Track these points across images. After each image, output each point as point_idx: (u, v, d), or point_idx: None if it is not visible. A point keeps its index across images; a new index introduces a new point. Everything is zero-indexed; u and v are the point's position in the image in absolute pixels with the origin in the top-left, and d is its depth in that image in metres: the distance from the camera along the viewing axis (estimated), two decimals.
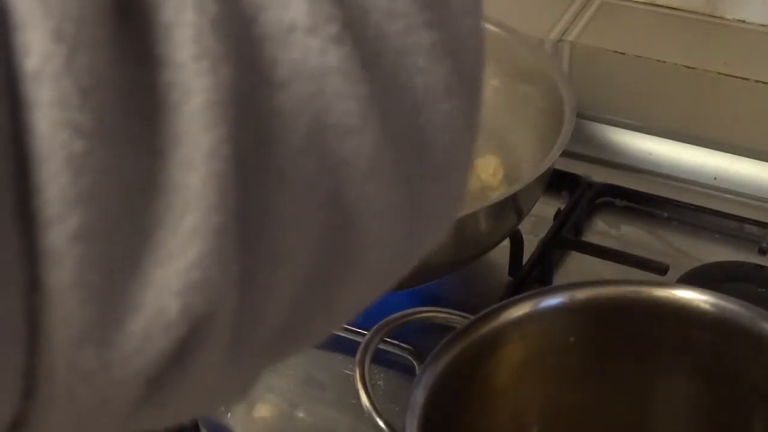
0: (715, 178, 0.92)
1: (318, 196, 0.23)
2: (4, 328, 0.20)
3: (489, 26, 0.88)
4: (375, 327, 0.63)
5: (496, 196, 0.72)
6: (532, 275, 0.79)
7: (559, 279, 0.81)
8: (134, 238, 0.21)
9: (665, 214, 0.88)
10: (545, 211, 0.85)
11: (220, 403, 0.27)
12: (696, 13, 0.96)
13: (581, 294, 0.61)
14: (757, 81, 0.88)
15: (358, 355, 0.61)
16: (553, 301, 0.61)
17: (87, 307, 0.20)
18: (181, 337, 0.21)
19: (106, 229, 0.20)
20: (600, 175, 0.91)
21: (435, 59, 0.24)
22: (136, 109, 0.20)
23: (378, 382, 0.72)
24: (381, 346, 0.63)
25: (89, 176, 0.20)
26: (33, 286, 0.20)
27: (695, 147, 0.93)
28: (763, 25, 0.95)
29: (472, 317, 0.59)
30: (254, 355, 0.25)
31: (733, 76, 0.89)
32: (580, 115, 0.82)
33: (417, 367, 0.57)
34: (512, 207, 0.73)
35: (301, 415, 0.71)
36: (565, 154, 0.75)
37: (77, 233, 0.20)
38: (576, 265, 0.83)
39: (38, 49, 0.19)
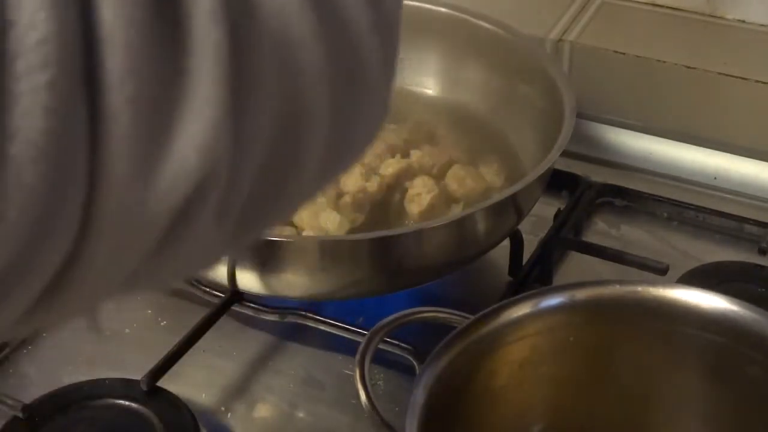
0: (715, 178, 0.92)
1: (284, 93, 0.29)
2: (74, 173, 0.25)
3: (489, 26, 0.89)
4: (375, 327, 0.63)
5: (497, 196, 0.72)
6: (532, 275, 0.79)
7: (559, 279, 0.81)
8: (167, 104, 0.27)
9: (665, 214, 0.88)
10: (545, 211, 0.85)
11: (204, 266, 0.34)
12: (696, 13, 0.96)
13: (581, 294, 0.61)
14: (757, 81, 0.88)
15: (358, 355, 0.61)
16: (553, 301, 0.61)
17: (136, 152, 0.26)
18: (194, 186, 0.27)
19: (150, 95, 0.26)
20: (600, 175, 0.91)
21: (363, 4, 0.31)
22: (165, 9, 0.26)
23: (378, 382, 0.72)
24: (381, 346, 0.63)
25: (138, 56, 0.26)
26: (95, 136, 0.25)
27: (695, 147, 0.93)
28: (763, 25, 0.95)
29: (472, 317, 0.59)
30: (232, 222, 0.30)
31: (733, 76, 0.89)
32: (580, 115, 0.82)
33: (417, 367, 0.57)
34: (512, 207, 0.73)
35: (301, 415, 0.71)
36: (565, 154, 0.75)
37: (130, 96, 0.26)
38: (576, 265, 0.83)
39: None
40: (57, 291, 0.27)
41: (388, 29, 0.33)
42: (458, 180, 0.79)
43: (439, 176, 0.80)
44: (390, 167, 0.79)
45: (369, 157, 0.79)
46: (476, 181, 0.80)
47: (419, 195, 0.77)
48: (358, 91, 0.33)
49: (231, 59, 0.27)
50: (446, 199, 0.79)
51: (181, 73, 0.27)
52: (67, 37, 0.25)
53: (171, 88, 0.27)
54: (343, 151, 0.34)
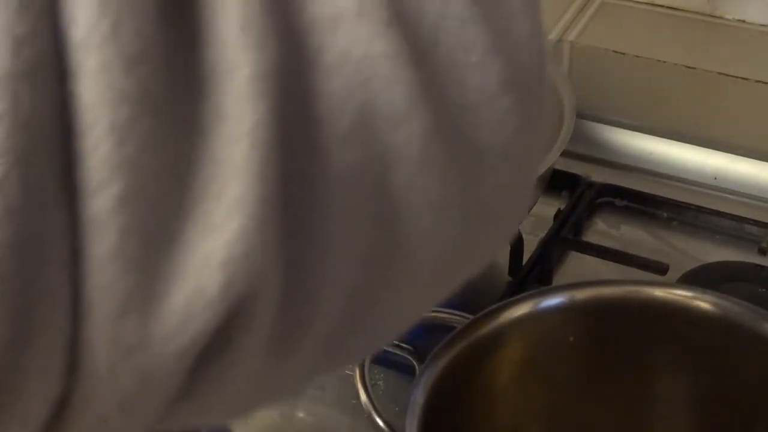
0: (715, 178, 0.92)
1: (365, 183, 0.22)
2: (48, 299, 0.20)
3: None
4: None
5: None
6: (532, 275, 0.79)
7: (559, 279, 0.81)
8: (176, 209, 0.20)
9: (665, 214, 0.88)
10: (545, 211, 0.85)
11: (256, 407, 0.26)
12: (696, 13, 0.96)
13: (581, 294, 0.61)
14: (757, 81, 0.88)
15: None
16: (553, 301, 0.61)
17: (128, 277, 0.20)
18: (223, 316, 0.21)
19: (149, 199, 0.20)
20: (600, 175, 0.91)
21: (489, 58, 0.24)
22: (182, 80, 0.20)
23: (378, 382, 0.72)
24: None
25: (133, 144, 0.20)
26: (76, 256, 0.20)
27: (695, 147, 0.93)
28: (763, 25, 0.95)
29: (472, 317, 0.59)
30: (304, 357, 0.24)
31: (733, 76, 0.89)
32: (580, 115, 0.82)
33: (417, 367, 0.57)
34: None
35: (301, 415, 0.71)
36: (565, 154, 0.75)
37: (119, 202, 0.20)
38: (576, 265, 0.83)
39: (85, 19, 0.19)
40: None
41: (525, 83, 0.25)
42: None
43: None
44: None
45: None
46: None
47: None
48: (485, 175, 0.25)
49: (277, 135, 0.21)
50: None
51: (201, 162, 0.20)
52: (30, 117, 0.19)
53: (183, 185, 0.20)
54: (469, 250, 0.26)
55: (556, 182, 0.84)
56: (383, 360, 0.71)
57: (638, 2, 0.98)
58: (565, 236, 0.83)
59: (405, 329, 0.28)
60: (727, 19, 0.96)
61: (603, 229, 0.88)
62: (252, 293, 0.21)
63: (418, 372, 0.57)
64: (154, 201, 0.20)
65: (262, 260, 0.21)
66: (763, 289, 0.78)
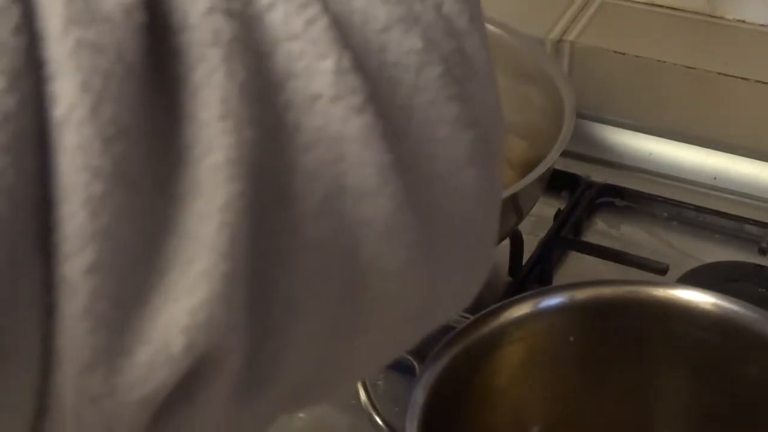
0: (715, 178, 0.92)
1: (333, 254, 0.24)
2: (22, 349, 0.21)
3: (489, 26, 0.88)
4: None
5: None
6: (532, 275, 0.79)
7: (559, 279, 0.81)
8: (145, 276, 0.22)
9: (665, 214, 0.88)
10: (545, 211, 0.85)
11: None
12: (696, 13, 0.96)
13: (581, 294, 0.61)
14: (757, 81, 0.88)
15: None
16: (553, 301, 0.61)
17: (97, 334, 0.21)
18: (185, 371, 0.22)
19: (119, 266, 0.21)
20: (600, 175, 0.91)
21: (458, 131, 0.25)
22: (158, 159, 0.22)
23: (378, 382, 0.72)
24: None
25: (105, 216, 0.21)
26: (49, 312, 0.21)
27: (695, 147, 0.93)
28: (763, 25, 0.95)
29: (472, 317, 0.59)
30: (269, 403, 0.25)
31: (733, 76, 0.89)
32: (580, 115, 0.82)
33: (417, 367, 0.57)
34: (512, 207, 0.73)
35: (301, 415, 0.71)
36: (565, 154, 0.75)
37: (91, 267, 0.21)
38: (576, 265, 0.83)
39: (66, 99, 0.21)
40: None
41: (488, 152, 0.26)
42: None
43: None
44: None
45: None
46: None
47: None
48: (450, 240, 0.26)
49: (249, 208, 0.22)
50: None
51: (171, 234, 0.22)
52: (12, 185, 0.20)
53: (153, 254, 0.22)
54: (432, 308, 0.28)
55: (556, 182, 0.84)
56: None
57: (638, 2, 0.98)
58: (565, 236, 0.83)
59: (370, 375, 0.28)
60: (727, 19, 0.96)
61: (603, 229, 0.88)
62: (214, 354, 0.22)
63: (418, 372, 0.57)
64: (124, 268, 0.21)
65: (226, 326, 0.22)
66: (763, 289, 0.78)
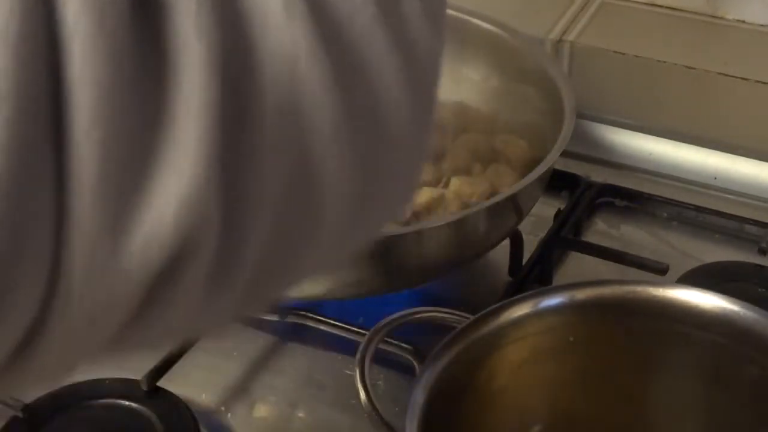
0: (715, 178, 0.92)
1: (288, 156, 0.27)
2: (40, 218, 0.23)
3: (489, 26, 0.88)
4: (375, 327, 0.63)
5: (497, 196, 0.72)
6: (532, 275, 0.79)
7: (559, 279, 0.81)
8: (143, 159, 0.25)
9: (665, 214, 0.88)
10: (545, 211, 0.85)
11: (194, 334, 0.32)
12: (696, 13, 0.96)
13: (581, 294, 0.61)
14: (757, 81, 0.88)
15: (358, 355, 0.61)
16: (553, 301, 0.61)
17: (106, 205, 0.24)
18: (175, 248, 0.25)
19: (121, 147, 0.24)
20: (600, 175, 0.91)
21: (389, 52, 0.29)
22: (148, 55, 0.24)
23: (378, 382, 0.72)
24: (381, 346, 0.63)
25: (110, 102, 0.24)
26: (63, 186, 0.24)
27: (695, 147, 0.93)
28: (763, 25, 0.95)
29: (472, 317, 0.59)
30: (228, 300, 0.28)
31: (733, 76, 0.89)
32: (580, 115, 0.82)
33: (417, 367, 0.57)
34: (512, 207, 0.73)
35: (301, 415, 0.71)
36: (565, 154, 0.75)
37: (100, 146, 0.24)
38: (576, 265, 0.83)
39: (73, 8, 0.23)
40: (30, 351, 0.25)
41: (420, 78, 0.30)
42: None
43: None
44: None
45: None
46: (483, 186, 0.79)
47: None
48: (384, 148, 0.30)
49: (222, 108, 0.25)
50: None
51: (162, 120, 0.25)
52: (28, 71, 0.23)
53: (149, 136, 0.24)
54: (370, 210, 0.31)
55: (556, 182, 0.84)
56: (383, 360, 0.71)
57: (638, 2, 0.98)
58: (565, 236, 0.83)
59: (319, 274, 0.33)
60: (727, 19, 0.96)
61: (603, 229, 0.88)
62: (197, 233, 0.25)
63: (418, 372, 0.57)
64: (125, 149, 0.24)
65: (207, 206, 0.25)
66: (763, 289, 0.78)
